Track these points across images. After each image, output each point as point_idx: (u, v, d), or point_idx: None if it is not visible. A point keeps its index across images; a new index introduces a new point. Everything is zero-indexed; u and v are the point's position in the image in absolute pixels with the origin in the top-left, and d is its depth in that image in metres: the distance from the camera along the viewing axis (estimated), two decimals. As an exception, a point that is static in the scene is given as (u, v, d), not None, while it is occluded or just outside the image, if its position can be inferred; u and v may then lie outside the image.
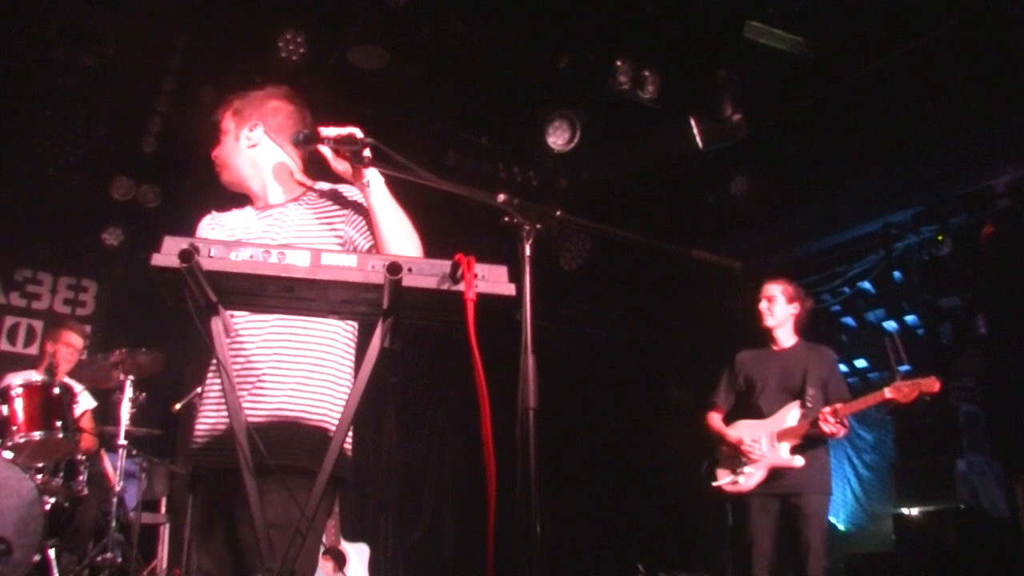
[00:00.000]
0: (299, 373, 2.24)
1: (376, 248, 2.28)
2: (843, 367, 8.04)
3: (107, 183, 6.60)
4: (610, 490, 8.47)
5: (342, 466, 2.25)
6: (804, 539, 4.30)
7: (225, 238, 2.36)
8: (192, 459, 2.32)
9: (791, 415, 4.51)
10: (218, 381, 2.28)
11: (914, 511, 6.28)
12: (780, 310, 4.74)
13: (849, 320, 7.90)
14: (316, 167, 2.51)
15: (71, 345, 5.66)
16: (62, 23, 5.43)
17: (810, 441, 4.44)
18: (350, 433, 2.31)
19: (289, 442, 2.17)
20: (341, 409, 2.22)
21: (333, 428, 2.20)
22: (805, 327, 4.82)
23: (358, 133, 2.23)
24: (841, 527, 7.87)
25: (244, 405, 2.16)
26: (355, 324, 2.39)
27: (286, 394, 2.22)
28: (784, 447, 4.47)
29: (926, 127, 6.02)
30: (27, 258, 7.06)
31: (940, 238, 6.82)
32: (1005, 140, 6.24)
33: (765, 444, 4.52)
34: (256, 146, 2.50)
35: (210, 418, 2.28)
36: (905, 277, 7.33)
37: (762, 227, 7.55)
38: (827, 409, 4.35)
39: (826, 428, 4.32)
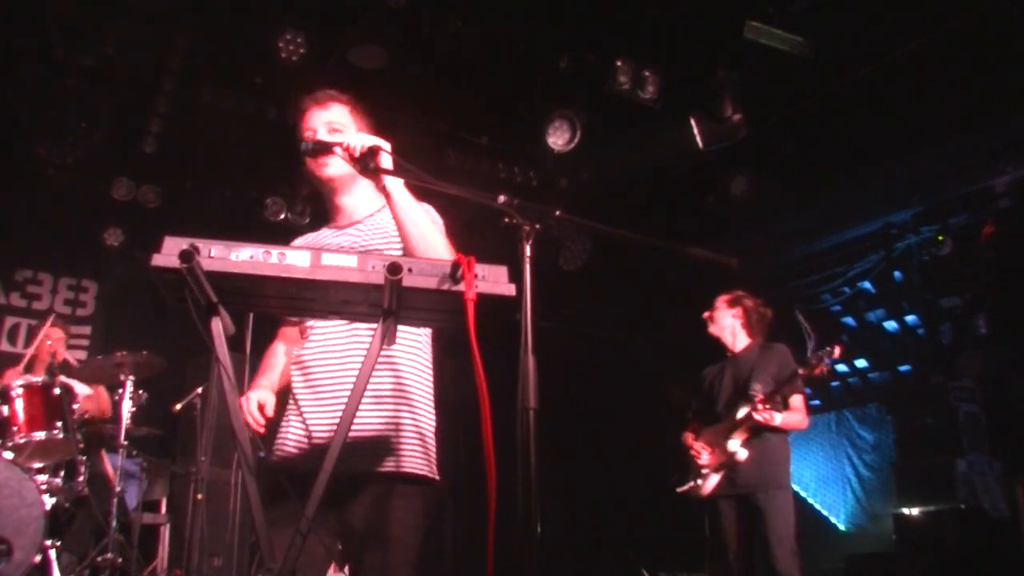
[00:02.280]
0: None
1: (404, 253, 2.28)
2: (843, 367, 8.06)
3: (107, 183, 6.60)
4: (610, 490, 8.46)
5: (426, 465, 2.34)
6: (764, 537, 4.30)
7: None
8: (285, 465, 2.33)
9: (740, 413, 4.56)
10: (298, 387, 2.35)
11: (914, 511, 6.28)
12: (721, 316, 4.88)
13: (849, 320, 7.90)
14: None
15: (59, 339, 5.69)
16: (62, 23, 5.42)
17: (759, 435, 4.48)
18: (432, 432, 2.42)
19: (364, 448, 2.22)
20: (412, 413, 2.35)
21: (398, 432, 2.31)
22: (760, 326, 4.83)
23: (368, 141, 2.23)
24: (841, 527, 7.87)
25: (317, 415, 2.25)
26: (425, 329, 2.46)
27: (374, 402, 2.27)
28: (733, 443, 4.54)
29: (926, 127, 6.02)
30: (27, 258, 7.06)
31: (940, 238, 6.82)
32: (1005, 140, 6.24)
33: (719, 446, 4.60)
34: None
35: (303, 425, 2.33)
36: (905, 277, 7.33)
37: (762, 227, 7.55)
38: (758, 397, 4.42)
39: (758, 417, 4.40)
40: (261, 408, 2.37)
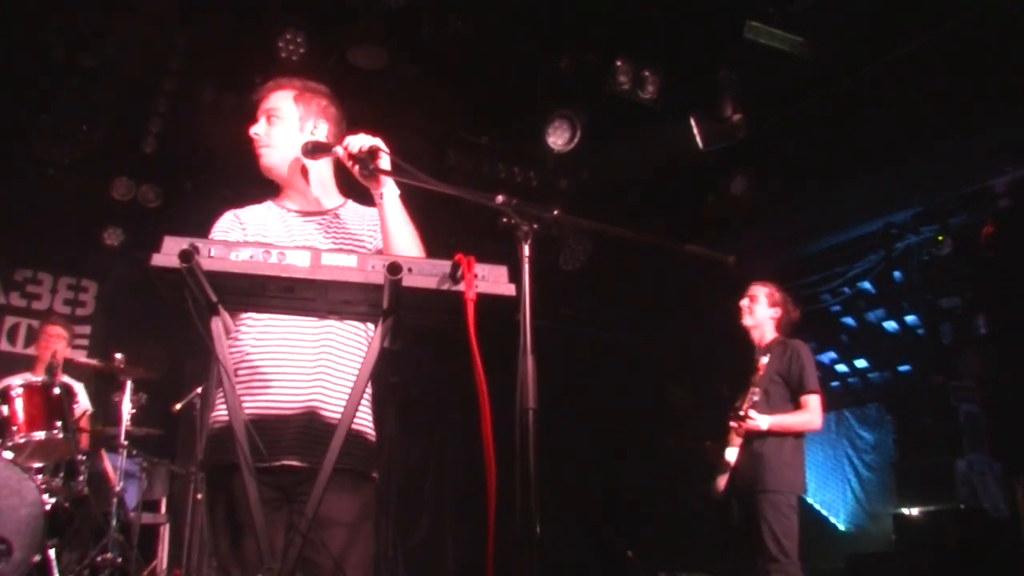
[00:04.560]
0: (351, 375, 2.26)
1: (383, 254, 2.30)
2: (843, 367, 8.06)
3: (107, 183, 6.60)
4: (610, 490, 8.46)
5: (373, 463, 2.31)
6: (756, 539, 4.27)
7: (256, 237, 2.35)
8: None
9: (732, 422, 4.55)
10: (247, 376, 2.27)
11: (914, 511, 6.29)
12: (760, 311, 4.73)
13: (849, 320, 7.90)
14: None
15: (59, 336, 5.67)
16: (62, 23, 5.43)
17: (753, 440, 4.42)
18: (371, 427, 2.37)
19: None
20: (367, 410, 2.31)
21: (366, 429, 2.32)
22: (791, 328, 4.75)
23: (368, 141, 2.23)
24: (841, 527, 7.87)
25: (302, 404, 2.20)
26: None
27: (317, 394, 2.23)
28: (729, 452, 4.52)
29: (926, 127, 6.02)
30: (27, 258, 7.05)
31: (940, 238, 6.83)
32: (1005, 140, 6.24)
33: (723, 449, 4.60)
34: None
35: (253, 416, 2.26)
36: (905, 277, 7.33)
37: (762, 227, 7.56)
38: (744, 408, 4.39)
39: (734, 424, 4.42)
40: None
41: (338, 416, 2.17)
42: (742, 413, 4.38)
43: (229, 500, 2.18)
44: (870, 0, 5.25)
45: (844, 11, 5.28)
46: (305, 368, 2.24)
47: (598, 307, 8.91)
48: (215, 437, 2.27)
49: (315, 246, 2.33)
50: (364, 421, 2.32)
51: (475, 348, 1.81)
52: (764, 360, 4.60)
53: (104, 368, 5.41)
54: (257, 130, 2.47)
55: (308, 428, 2.19)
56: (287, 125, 2.45)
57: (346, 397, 2.19)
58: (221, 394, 2.30)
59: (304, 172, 2.46)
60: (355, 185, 2.39)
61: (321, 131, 2.47)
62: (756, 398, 4.44)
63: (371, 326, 2.31)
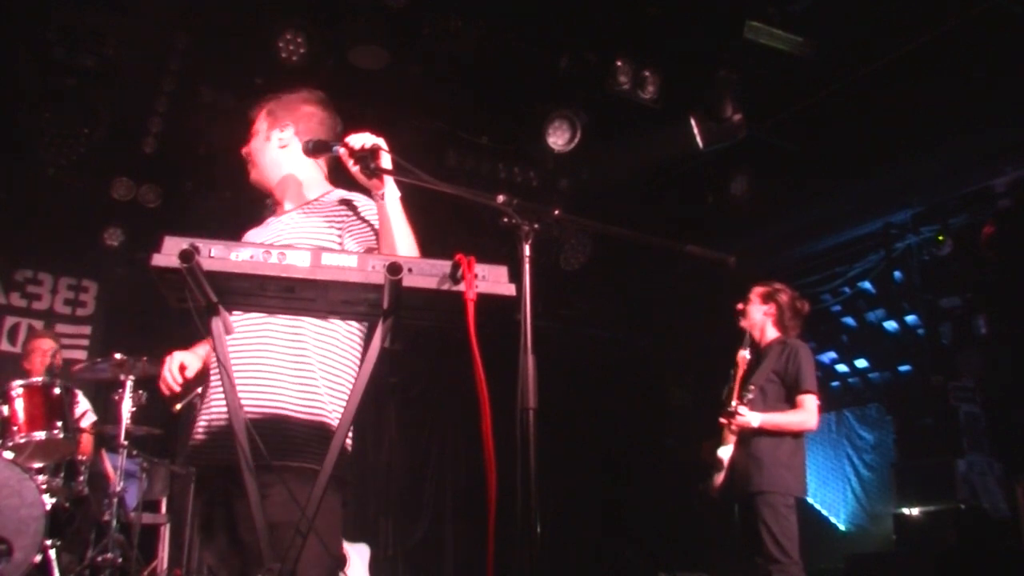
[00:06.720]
0: (294, 370, 2.23)
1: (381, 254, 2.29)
2: (843, 367, 8.06)
3: (107, 183, 6.61)
4: (610, 490, 8.47)
5: (342, 465, 2.25)
6: (756, 540, 4.24)
7: None
8: (192, 457, 2.30)
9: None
10: (216, 379, 2.29)
11: (914, 511, 6.29)
12: (754, 311, 4.72)
13: (849, 320, 7.91)
14: (341, 174, 2.53)
15: (50, 348, 5.65)
16: (62, 23, 5.43)
17: (749, 440, 4.39)
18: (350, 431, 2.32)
19: (291, 440, 2.16)
20: (341, 408, 2.22)
21: (333, 427, 2.21)
22: (794, 322, 4.67)
23: (370, 140, 2.24)
24: (841, 527, 7.87)
25: (243, 402, 2.13)
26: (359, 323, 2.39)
27: (283, 391, 2.20)
28: (723, 450, 4.51)
29: (926, 127, 6.01)
30: (27, 258, 7.05)
31: (940, 238, 6.83)
32: (1005, 140, 6.24)
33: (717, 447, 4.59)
34: (286, 147, 2.55)
35: (209, 415, 2.28)
36: (905, 277, 7.33)
37: (762, 227, 7.55)
38: (734, 406, 4.37)
39: (723, 421, 4.41)
40: (182, 369, 2.39)
41: (275, 412, 2.16)
42: (731, 409, 4.36)
43: (218, 501, 2.19)
44: (870, 0, 5.25)
45: (844, 11, 5.28)
46: (240, 364, 2.20)
47: (598, 307, 8.91)
48: (198, 438, 2.27)
49: (283, 239, 2.32)
50: (322, 413, 2.21)
51: (475, 348, 1.81)
52: (743, 353, 4.63)
53: (102, 376, 5.41)
54: (246, 150, 2.62)
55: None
56: (259, 139, 2.58)
57: (283, 394, 2.19)
58: (210, 394, 2.31)
59: (285, 177, 2.53)
60: (354, 186, 2.39)
61: (288, 134, 2.54)
62: (751, 396, 4.39)
63: (306, 320, 2.27)
